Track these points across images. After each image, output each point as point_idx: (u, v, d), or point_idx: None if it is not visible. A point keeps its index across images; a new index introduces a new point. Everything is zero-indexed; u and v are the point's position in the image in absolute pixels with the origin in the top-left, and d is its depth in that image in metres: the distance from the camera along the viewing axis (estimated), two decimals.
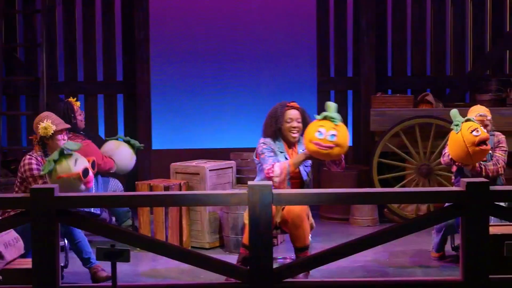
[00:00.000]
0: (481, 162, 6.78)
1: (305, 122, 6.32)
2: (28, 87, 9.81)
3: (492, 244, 5.43)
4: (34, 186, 5.41)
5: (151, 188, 7.54)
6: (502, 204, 5.85)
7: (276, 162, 6.18)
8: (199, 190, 7.29)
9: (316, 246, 6.78)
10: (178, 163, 7.83)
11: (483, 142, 6.51)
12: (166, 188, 7.41)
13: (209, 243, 7.41)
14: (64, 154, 6.12)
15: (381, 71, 9.89)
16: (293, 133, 6.34)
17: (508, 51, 9.91)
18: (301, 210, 6.10)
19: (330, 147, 5.95)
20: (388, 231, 5.59)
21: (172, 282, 6.14)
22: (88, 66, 10.00)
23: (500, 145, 6.95)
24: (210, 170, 7.50)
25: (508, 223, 6.04)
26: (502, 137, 7.00)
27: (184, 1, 10.34)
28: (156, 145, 10.08)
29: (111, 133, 10.01)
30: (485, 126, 6.84)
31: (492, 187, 5.35)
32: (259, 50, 10.31)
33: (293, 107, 6.38)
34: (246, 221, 6.31)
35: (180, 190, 7.43)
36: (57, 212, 5.27)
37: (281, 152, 6.31)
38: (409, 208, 8.57)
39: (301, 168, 6.28)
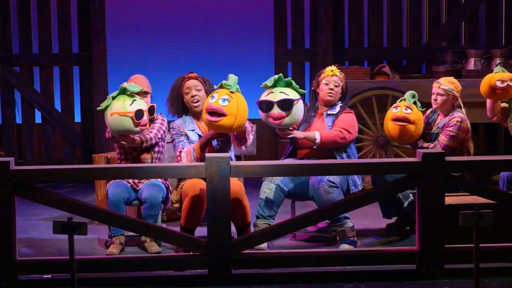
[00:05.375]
0: (421, 140, 6.71)
1: (208, 90, 6.12)
2: None
3: (448, 214, 5.51)
4: None
5: (108, 161, 7.49)
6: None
7: (184, 147, 6.05)
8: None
9: (280, 217, 6.80)
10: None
11: (398, 119, 6.50)
12: None
13: (167, 215, 7.39)
14: (124, 93, 5.96)
15: (338, 42, 9.91)
16: (194, 103, 6.14)
17: (463, 22, 9.98)
18: (240, 189, 5.92)
19: (221, 112, 5.59)
20: (346, 202, 5.64)
21: (132, 255, 6.12)
22: (43, 38, 9.88)
23: (447, 128, 6.53)
24: (167, 143, 7.47)
25: (464, 194, 6.12)
26: (455, 120, 6.52)
27: None
28: None
29: (67, 106, 9.93)
30: (435, 99, 6.71)
31: (447, 158, 5.41)
32: (216, 21, 10.26)
33: (190, 78, 6.23)
34: (176, 197, 6.18)
35: None
36: (13, 185, 5.23)
37: (192, 131, 6.18)
38: (367, 179, 8.62)
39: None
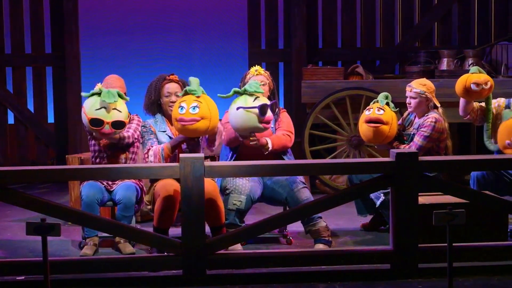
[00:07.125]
0: (397, 142, 6.73)
1: None
2: None
3: (421, 214, 5.54)
4: None
5: (82, 161, 7.46)
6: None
7: (153, 145, 6.03)
8: None
9: (249, 218, 6.80)
10: None
11: (371, 121, 6.53)
12: None
13: (141, 216, 7.37)
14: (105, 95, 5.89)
15: (312, 43, 9.92)
16: (172, 108, 6.01)
17: (436, 23, 10.04)
18: (214, 189, 5.92)
19: (195, 120, 5.61)
20: (321, 202, 5.65)
21: (105, 256, 6.09)
22: (16, 38, 9.82)
23: (421, 129, 6.58)
24: (141, 143, 7.45)
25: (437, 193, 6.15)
26: (429, 121, 6.57)
27: None
28: None
29: (40, 107, 9.88)
30: (409, 103, 6.74)
31: (421, 158, 5.44)
32: (189, 21, 10.25)
33: (172, 80, 6.15)
34: (148, 198, 6.17)
35: None
36: None
37: (163, 132, 6.15)
38: (341, 179, 8.65)
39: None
